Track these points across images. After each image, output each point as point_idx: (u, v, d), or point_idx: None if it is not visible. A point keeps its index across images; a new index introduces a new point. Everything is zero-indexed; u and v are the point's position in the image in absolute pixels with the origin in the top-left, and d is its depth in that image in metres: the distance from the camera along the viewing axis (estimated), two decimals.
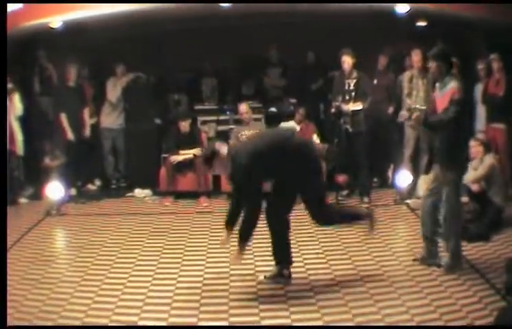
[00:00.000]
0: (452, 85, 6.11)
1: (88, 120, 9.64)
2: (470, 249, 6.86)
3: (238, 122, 9.97)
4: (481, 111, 9.12)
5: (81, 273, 6.24)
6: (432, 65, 6.29)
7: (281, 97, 11.22)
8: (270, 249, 6.18)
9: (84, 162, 9.62)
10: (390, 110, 9.96)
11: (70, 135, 9.25)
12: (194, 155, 9.09)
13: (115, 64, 9.94)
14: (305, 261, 6.61)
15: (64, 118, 9.23)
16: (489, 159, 7.80)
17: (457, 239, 6.36)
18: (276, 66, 11.38)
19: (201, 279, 6.08)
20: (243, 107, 9.65)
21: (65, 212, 8.56)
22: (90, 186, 9.78)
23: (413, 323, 5.19)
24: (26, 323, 5.14)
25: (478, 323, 5.16)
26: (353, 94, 8.86)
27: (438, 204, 6.36)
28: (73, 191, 9.36)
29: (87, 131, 9.58)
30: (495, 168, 7.81)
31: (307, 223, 7.72)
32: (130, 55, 10.14)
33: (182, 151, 9.19)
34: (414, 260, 6.63)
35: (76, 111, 9.42)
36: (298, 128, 9.64)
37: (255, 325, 5.19)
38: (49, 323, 5.13)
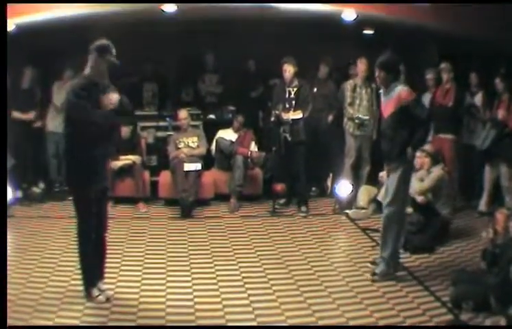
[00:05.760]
0: (399, 88, 6.15)
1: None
2: (414, 261, 6.95)
3: (177, 128, 10.05)
4: None
5: (26, 276, 6.39)
6: (379, 74, 6.28)
7: (217, 104, 11.14)
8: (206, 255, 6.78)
9: (29, 165, 9.73)
10: (330, 118, 9.99)
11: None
12: (134, 162, 9.34)
13: (63, 68, 9.98)
14: (241, 269, 6.82)
15: (16, 114, 9.44)
16: (438, 170, 7.74)
17: (393, 246, 6.39)
18: (212, 72, 11.21)
19: (139, 284, 6.31)
20: (182, 113, 9.83)
21: (12, 214, 8.51)
22: (35, 189, 9.80)
23: None
24: (23, 323, 5.29)
25: None
26: (293, 102, 8.88)
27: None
28: (20, 193, 9.44)
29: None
30: (444, 180, 7.75)
31: (244, 232, 8.14)
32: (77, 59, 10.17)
33: (121, 157, 9.29)
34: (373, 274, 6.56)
35: (27, 113, 9.65)
36: (236, 136, 9.86)
37: (248, 325, 5.39)
38: None
